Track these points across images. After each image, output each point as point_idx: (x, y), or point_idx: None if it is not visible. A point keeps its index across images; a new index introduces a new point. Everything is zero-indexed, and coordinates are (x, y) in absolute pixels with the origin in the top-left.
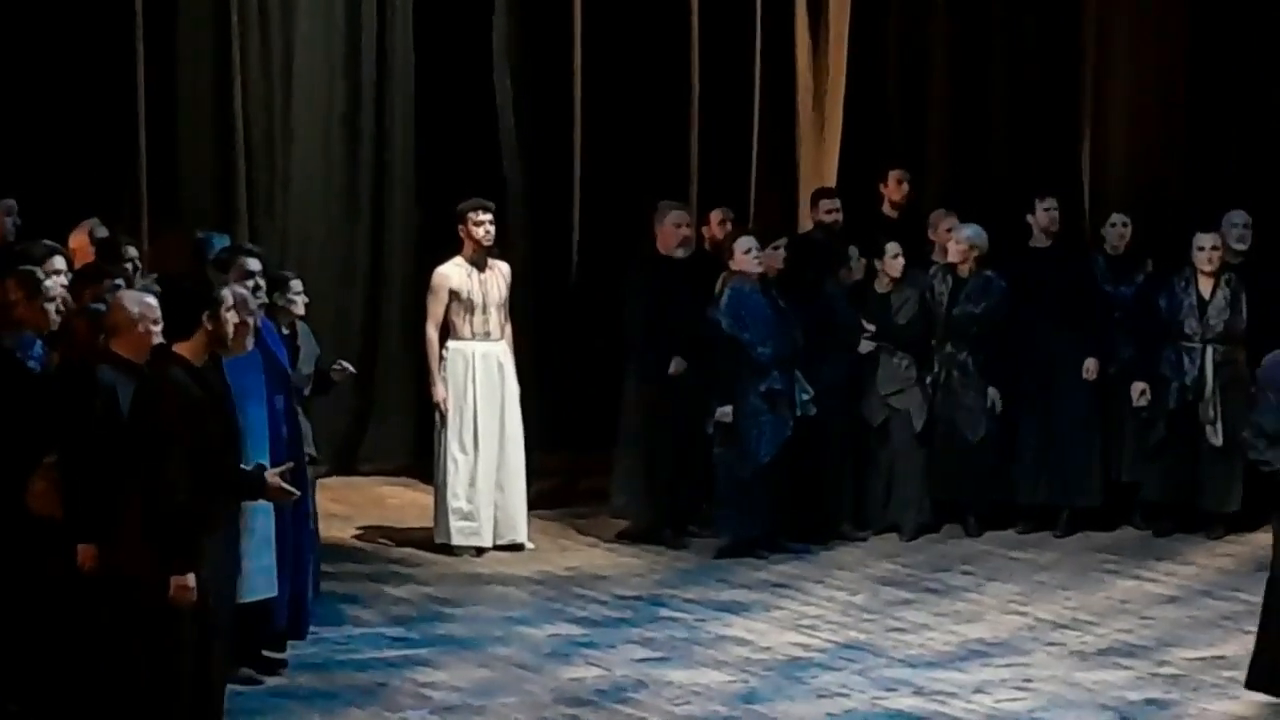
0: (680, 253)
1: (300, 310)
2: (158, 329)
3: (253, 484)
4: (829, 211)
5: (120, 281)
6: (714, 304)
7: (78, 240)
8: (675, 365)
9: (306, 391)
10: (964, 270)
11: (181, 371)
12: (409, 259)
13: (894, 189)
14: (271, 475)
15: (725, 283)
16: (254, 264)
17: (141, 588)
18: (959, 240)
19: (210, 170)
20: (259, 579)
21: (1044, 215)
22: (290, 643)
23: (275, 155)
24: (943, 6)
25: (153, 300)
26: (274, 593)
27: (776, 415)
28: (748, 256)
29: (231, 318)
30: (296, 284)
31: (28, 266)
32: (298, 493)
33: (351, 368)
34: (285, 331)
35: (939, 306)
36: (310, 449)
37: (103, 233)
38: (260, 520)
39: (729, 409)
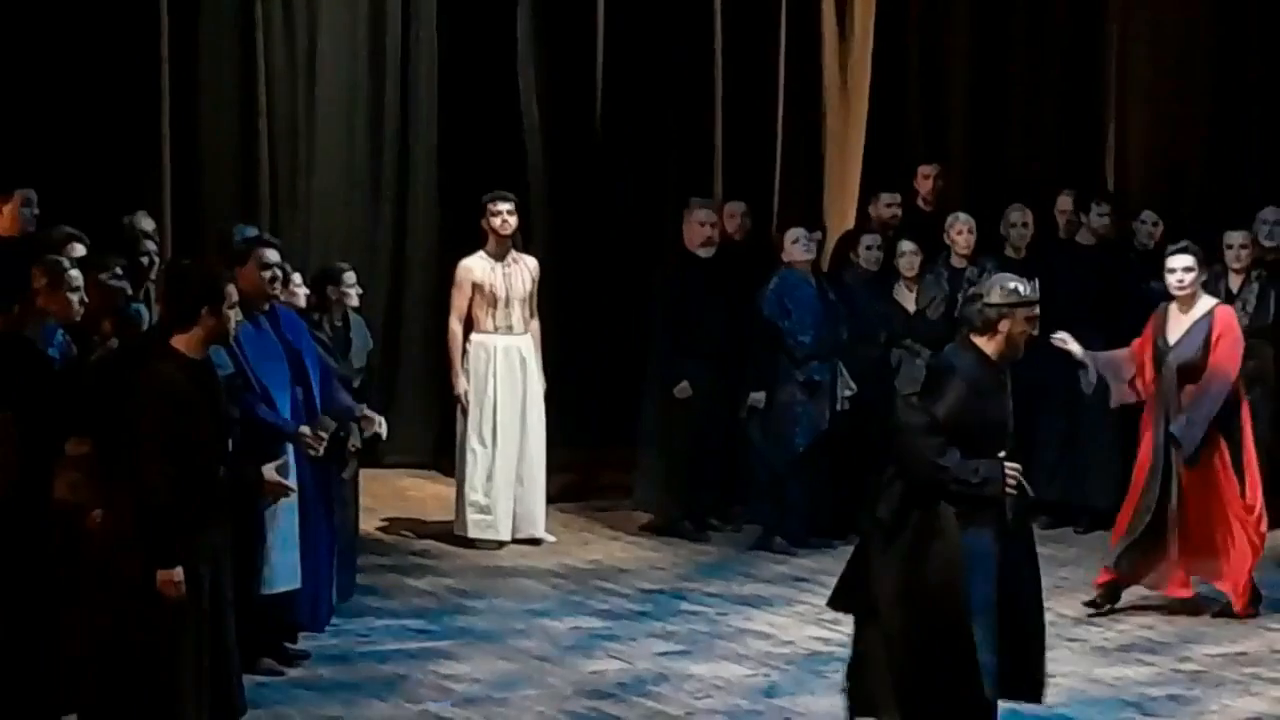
0: (704, 251)
1: (354, 302)
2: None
3: (250, 483)
4: (889, 205)
5: (119, 271)
6: (758, 295)
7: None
8: (680, 391)
9: (356, 384)
10: (959, 261)
11: (173, 367)
12: (431, 252)
13: (922, 183)
14: (268, 471)
15: (779, 271)
16: (272, 255)
17: (135, 584)
18: (965, 231)
19: (233, 161)
20: (282, 571)
21: (1097, 219)
22: (313, 635)
23: (298, 147)
24: (965, 1)
25: None
26: (297, 584)
27: (813, 407)
28: (796, 246)
29: (234, 315)
30: (350, 275)
31: (53, 255)
32: (294, 488)
33: (384, 433)
34: (339, 323)
35: (949, 301)
36: (355, 441)
37: (149, 225)
38: (285, 513)
39: (762, 395)
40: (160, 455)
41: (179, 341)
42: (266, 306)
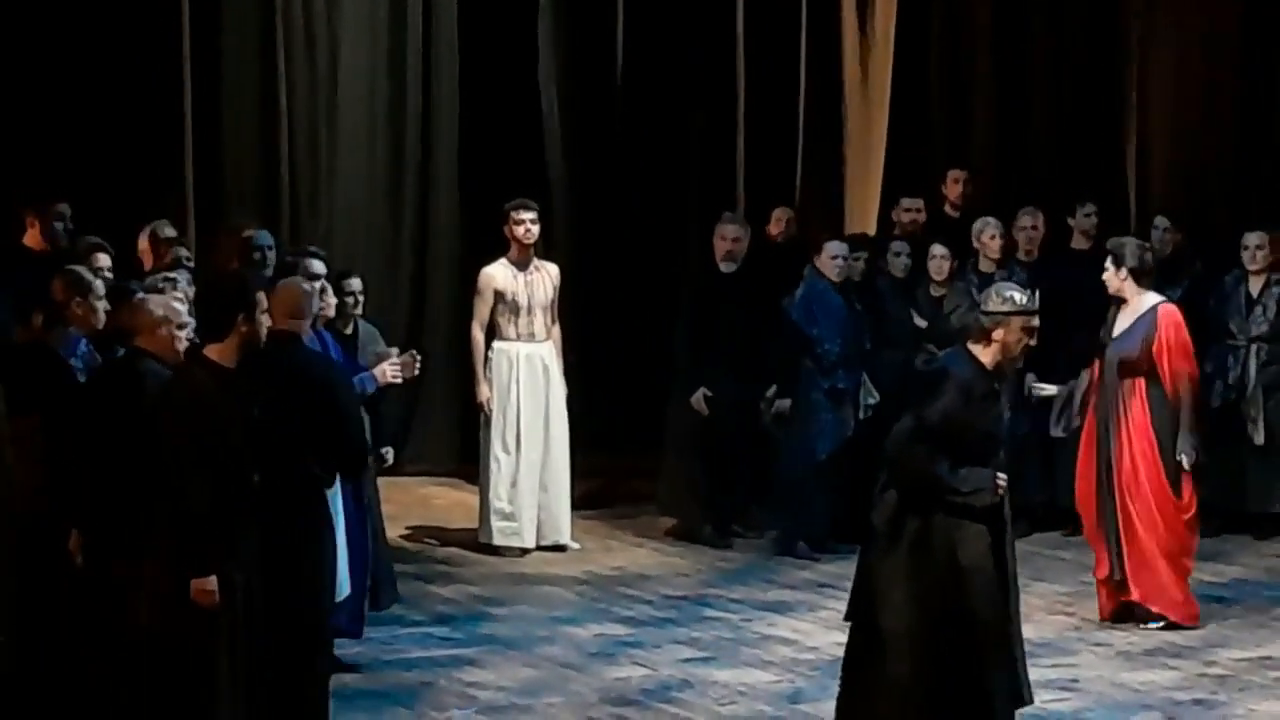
0: (725, 266)
1: (356, 309)
2: (182, 333)
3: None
4: (908, 210)
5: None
6: (789, 295)
7: (143, 241)
8: (695, 402)
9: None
10: (988, 266)
11: (206, 375)
12: (453, 259)
13: (951, 188)
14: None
15: (807, 276)
16: (319, 266)
17: (173, 597)
18: (997, 235)
19: (256, 170)
20: (340, 580)
21: (1083, 220)
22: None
23: (319, 154)
24: (986, 6)
25: (178, 305)
26: (346, 593)
27: (838, 414)
28: (833, 262)
29: (266, 320)
30: (351, 283)
31: (74, 266)
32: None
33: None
34: (347, 331)
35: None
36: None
37: (170, 233)
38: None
39: (788, 402)
40: (196, 462)
41: (213, 351)
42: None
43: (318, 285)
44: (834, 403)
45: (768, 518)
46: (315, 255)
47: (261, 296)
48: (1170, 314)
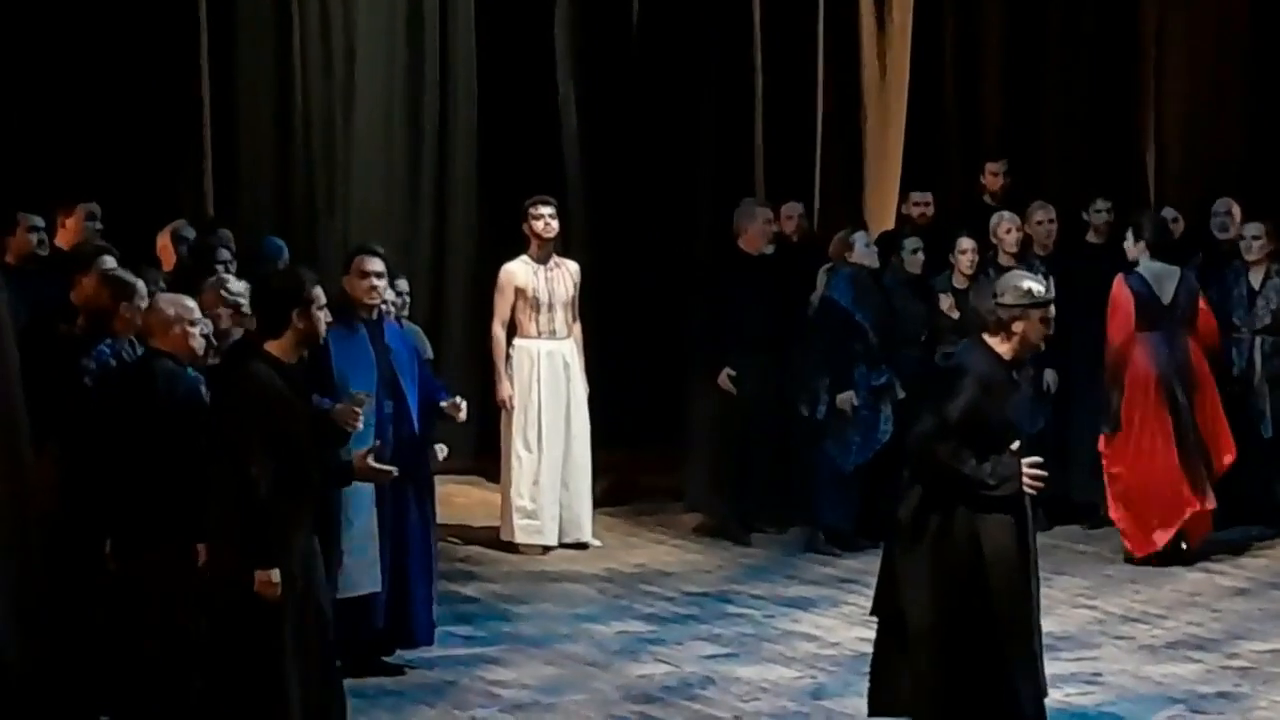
0: (769, 249)
1: (404, 311)
2: (195, 330)
3: (341, 470)
4: (917, 205)
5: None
6: (828, 286)
7: (162, 241)
8: (722, 381)
9: None
10: (1006, 260)
11: (265, 367)
12: (471, 257)
13: (990, 180)
14: (359, 456)
15: (832, 273)
16: (374, 264)
17: (234, 588)
18: (1014, 229)
19: (272, 170)
20: (360, 574)
21: (1096, 217)
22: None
23: (336, 155)
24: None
25: (190, 302)
26: (377, 588)
27: (879, 411)
28: (868, 250)
29: (324, 316)
30: (402, 283)
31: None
32: (393, 470)
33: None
34: None
35: None
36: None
37: (190, 234)
38: (361, 515)
39: (850, 394)
40: (261, 453)
41: (272, 346)
42: (373, 315)
43: (381, 282)
44: (875, 399)
45: (790, 513)
46: (373, 252)
47: (318, 292)
48: (1116, 281)
